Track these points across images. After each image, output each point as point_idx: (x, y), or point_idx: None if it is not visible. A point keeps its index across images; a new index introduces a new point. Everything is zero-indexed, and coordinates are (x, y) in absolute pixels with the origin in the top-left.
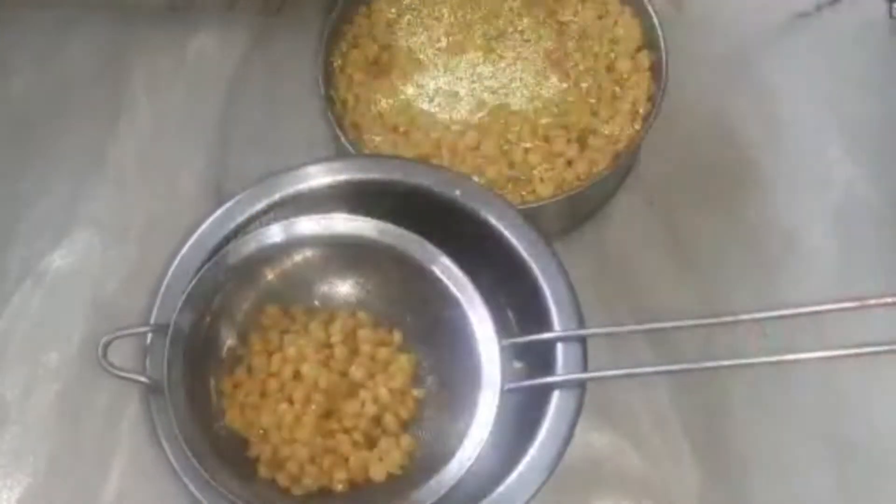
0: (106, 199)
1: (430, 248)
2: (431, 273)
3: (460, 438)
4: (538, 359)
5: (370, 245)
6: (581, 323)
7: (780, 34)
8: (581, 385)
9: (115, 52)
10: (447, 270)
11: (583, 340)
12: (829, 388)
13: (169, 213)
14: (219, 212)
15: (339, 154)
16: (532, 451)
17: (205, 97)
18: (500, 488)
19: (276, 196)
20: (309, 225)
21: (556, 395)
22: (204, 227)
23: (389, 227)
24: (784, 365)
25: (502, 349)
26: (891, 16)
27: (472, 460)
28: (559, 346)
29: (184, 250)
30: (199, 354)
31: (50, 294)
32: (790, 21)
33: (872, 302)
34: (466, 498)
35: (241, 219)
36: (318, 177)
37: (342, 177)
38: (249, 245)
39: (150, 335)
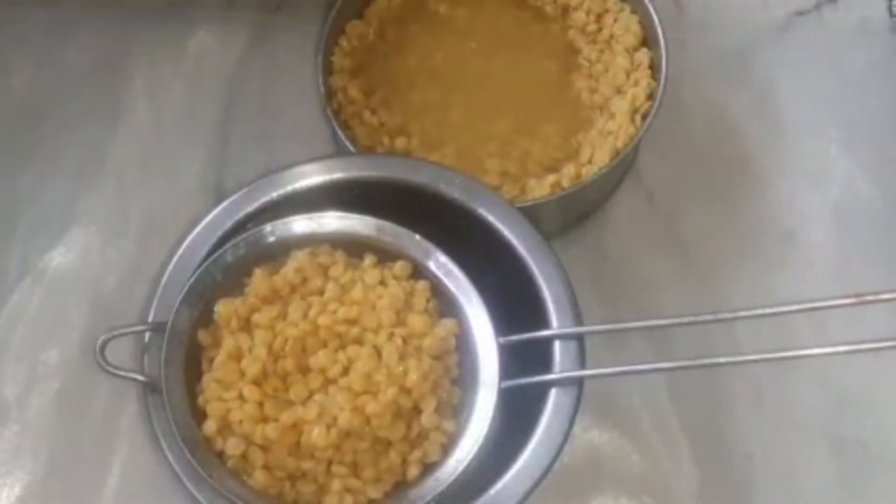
0: (105, 197)
1: (427, 245)
2: (428, 270)
3: (457, 436)
4: (536, 357)
5: (366, 242)
6: (579, 321)
7: (779, 32)
8: (578, 383)
9: (115, 50)
10: (444, 268)
11: (580, 338)
12: (828, 383)
13: (168, 211)
14: (217, 210)
15: (339, 152)
16: (529, 449)
17: (204, 95)
18: (498, 486)
19: (274, 195)
20: (305, 223)
21: (553, 393)
22: (202, 225)
23: (385, 225)
24: (783, 361)
25: (500, 347)
26: (890, 14)
27: (469, 458)
28: (557, 345)
29: (181, 249)
30: (197, 353)
31: (49, 292)
32: (790, 19)
33: (870, 298)
34: (465, 495)
35: (239, 217)
36: (317, 175)
37: (341, 175)
38: (247, 244)
39: (147, 334)
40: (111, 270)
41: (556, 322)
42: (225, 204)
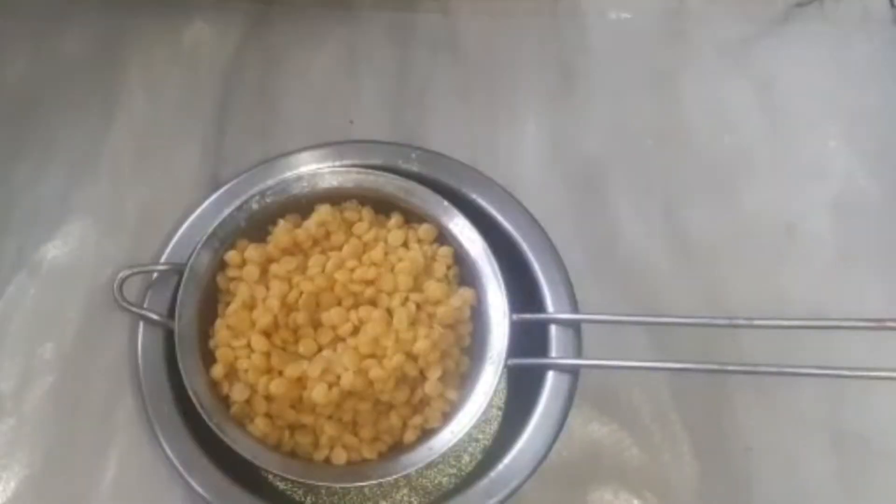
0: (101, 189)
1: (454, 212)
2: (452, 236)
3: (458, 406)
4: (531, 344)
5: (394, 202)
6: (575, 309)
7: (780, 24)
8: (574, 369)
9: (111, 40)
10: (468, 236)
11: (577, 327)
12: (827, 378)
13: (164, 204)
14: (215, 195)
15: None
16: (528, 432)
17: (200, 86)
18: (499, 467)
19: (271, 181)
20: (333, 176)
21: (550, 377)
22: (201, 209)
23: (415, 186)
24: (783, 355)
25: (512, 323)
26: (892, 5)
27: (464, 430)
28: (553, 331)
29: (178, 235)
30: (214, 296)
31: (45, 284)
32: (790, 10)
33: (891, 324)
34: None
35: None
36: (313, 163)
37: (340, 162)
38: (274, 193)
39: (155, 275)
40: (107, 263)
41: (553, 309)
42: (223, 189)
